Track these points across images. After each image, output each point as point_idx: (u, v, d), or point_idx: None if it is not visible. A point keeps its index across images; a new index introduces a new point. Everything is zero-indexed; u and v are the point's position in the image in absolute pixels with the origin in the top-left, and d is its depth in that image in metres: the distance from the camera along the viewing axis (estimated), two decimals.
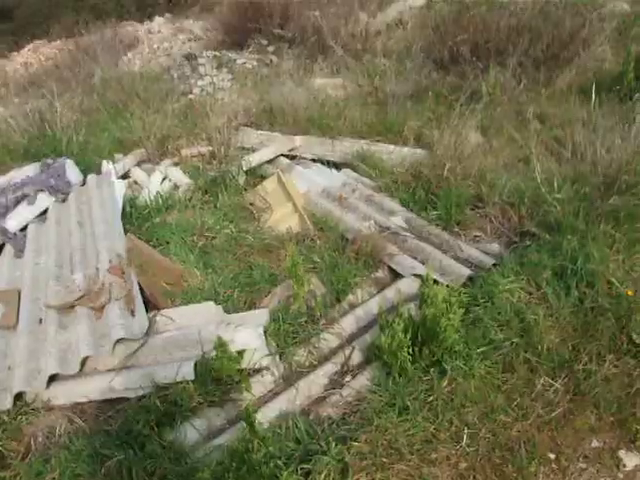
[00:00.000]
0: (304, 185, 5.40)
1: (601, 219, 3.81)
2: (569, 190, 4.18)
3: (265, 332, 3.64)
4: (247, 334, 3.53)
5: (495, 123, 5.88)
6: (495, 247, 4.24)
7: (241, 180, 5.64)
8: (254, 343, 3.50)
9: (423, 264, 4.15)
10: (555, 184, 4.10)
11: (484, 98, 6.41)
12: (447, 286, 3.76)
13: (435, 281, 3.89)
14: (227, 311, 3.89)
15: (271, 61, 9.67)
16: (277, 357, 3.57)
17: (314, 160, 6.02)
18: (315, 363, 3.57)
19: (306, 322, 3.78)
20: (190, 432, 3.17)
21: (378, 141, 6.12)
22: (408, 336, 3.09)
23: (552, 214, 4.02)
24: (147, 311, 3.85)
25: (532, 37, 7.04)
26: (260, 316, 3.71)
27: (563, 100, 6.29)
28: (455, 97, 6.63)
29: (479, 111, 6.28)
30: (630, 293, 3.19)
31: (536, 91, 6.44)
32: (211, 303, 3.84)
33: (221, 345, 3.36)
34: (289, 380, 3.48)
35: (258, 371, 3.53)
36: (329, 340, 3.69)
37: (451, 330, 3.04)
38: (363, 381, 3.34)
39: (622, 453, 2.84)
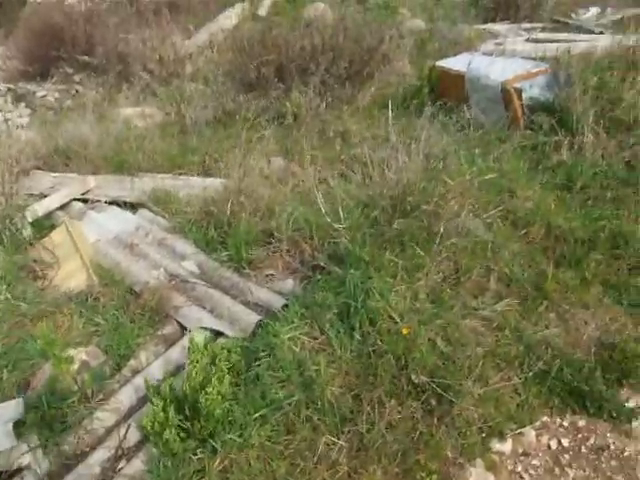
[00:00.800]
0: (95, 233, 4.89)
1: (387, 246, 3.66)
2: (359, 216, 4.01)
3: (24, 424, 3.11)
4: None
5: (297, 145, 5.69)
6: (289, 284, 3.98)
7: (26, 233, 5.00)
8: (2, 443, 2.96)
9: (212, 313, 3.82)
10: (340, 211, 3.90)
11: (288, 120, 6.23)
12: (236, 338, 3.47)
13: (220, 333, 3.61)
14: None
15: (77, 91, 8.96)
16: (40, 451, 3.06)
17: (110, 202, 5.50)
18: (87, 450, 3.10)
19: (79, 401, 3.29)
20: None
21: (180, 174, 5.74)
22: (171, 412, 2.72)
23: (342, 244, 3.82)
24: None
25: (335, 55, 6.98)
26: (13, 408, 3.17)
27: (366, 116, 6.26)
28: (261, 120, 6.43)
29: (283, 134, 6.13)
30: (405, 332, 3.02)
31: (339, 109, 6.35)
32: None
33: None
34: (56, 476, 2.98)
35: (18, 472, 3.00)
36: (104, 419, 3.23)
37: (215, 403, 2.69)
38: (138, 465, 2.93)
39: None
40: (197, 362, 2.88)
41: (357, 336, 3.13)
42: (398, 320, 3.09)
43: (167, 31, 9.79)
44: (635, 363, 3.09)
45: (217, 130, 6.48)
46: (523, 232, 3.91)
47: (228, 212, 4.29)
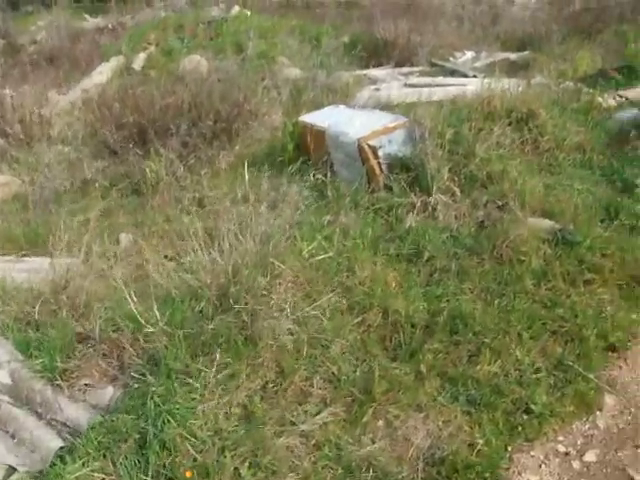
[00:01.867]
0: None
1: (203, 350, 3.24)
2: (185, 309, 3.57)
3: None
4: None
5: (149, 218, 5.25)
6: (108, 395, 3.50)
7: None
8: None
9: (14, 439, 3.31)
10: (155, 308, 3.44)
11: (145, 187, 5.82)
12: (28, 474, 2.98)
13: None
14: None
15: None
16: None
17: None
18: None
19: None
20: None
21: (24, 256, 5.21)
22: None
23: (160, 348, 3.38)
24: None
25: (200, 112, 6.63)
26: None
27: (229, 178, 5.89)
28: (120, 188, 6.00)
29: (138, 203, 5.71)
30: (189, 475, 2.60)
31: (200, 172, 5.95)
32: None
33: None
34: None
35: None
36: None
37: None
38: None
39: None
40: None
41: (150, 473, 2.69)
42: (193, 452, 2.67)
43: (41, 87, 9.28)
44: (467, 476, 2.75)
45: (71, 201, 5.99)
46: (359, 319, 3.55)
47: (36, 313, 3.81)
